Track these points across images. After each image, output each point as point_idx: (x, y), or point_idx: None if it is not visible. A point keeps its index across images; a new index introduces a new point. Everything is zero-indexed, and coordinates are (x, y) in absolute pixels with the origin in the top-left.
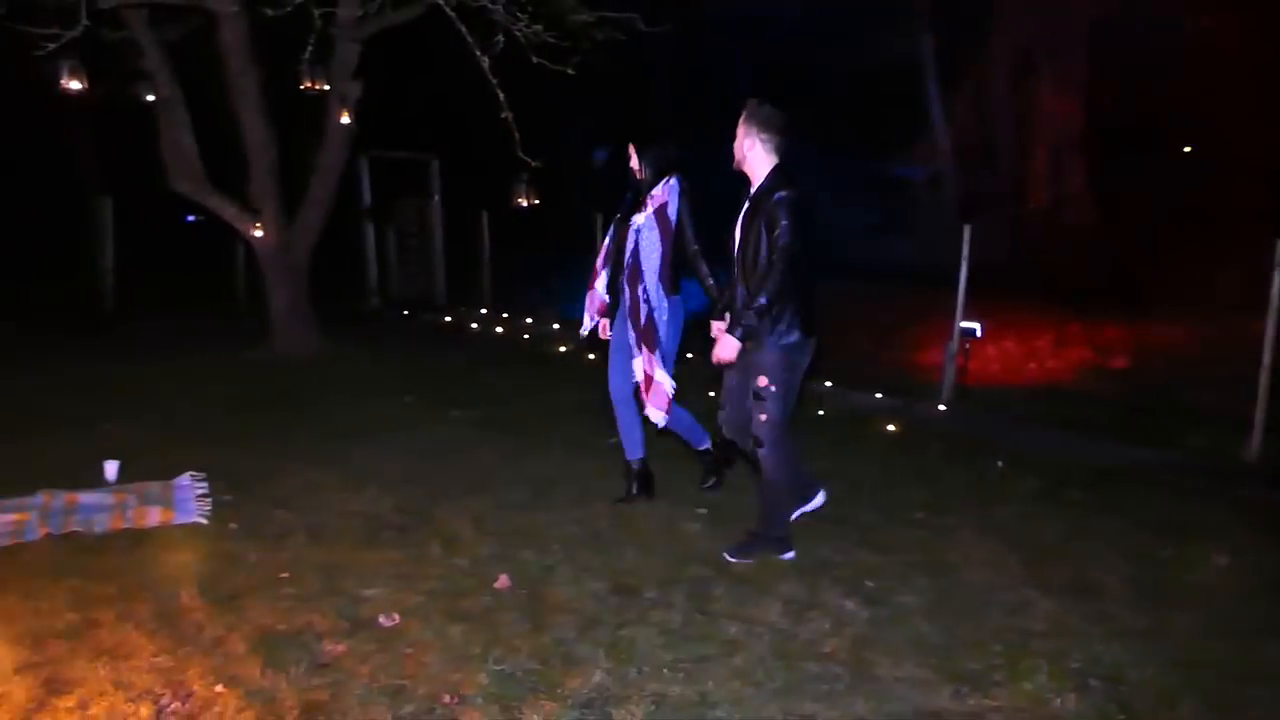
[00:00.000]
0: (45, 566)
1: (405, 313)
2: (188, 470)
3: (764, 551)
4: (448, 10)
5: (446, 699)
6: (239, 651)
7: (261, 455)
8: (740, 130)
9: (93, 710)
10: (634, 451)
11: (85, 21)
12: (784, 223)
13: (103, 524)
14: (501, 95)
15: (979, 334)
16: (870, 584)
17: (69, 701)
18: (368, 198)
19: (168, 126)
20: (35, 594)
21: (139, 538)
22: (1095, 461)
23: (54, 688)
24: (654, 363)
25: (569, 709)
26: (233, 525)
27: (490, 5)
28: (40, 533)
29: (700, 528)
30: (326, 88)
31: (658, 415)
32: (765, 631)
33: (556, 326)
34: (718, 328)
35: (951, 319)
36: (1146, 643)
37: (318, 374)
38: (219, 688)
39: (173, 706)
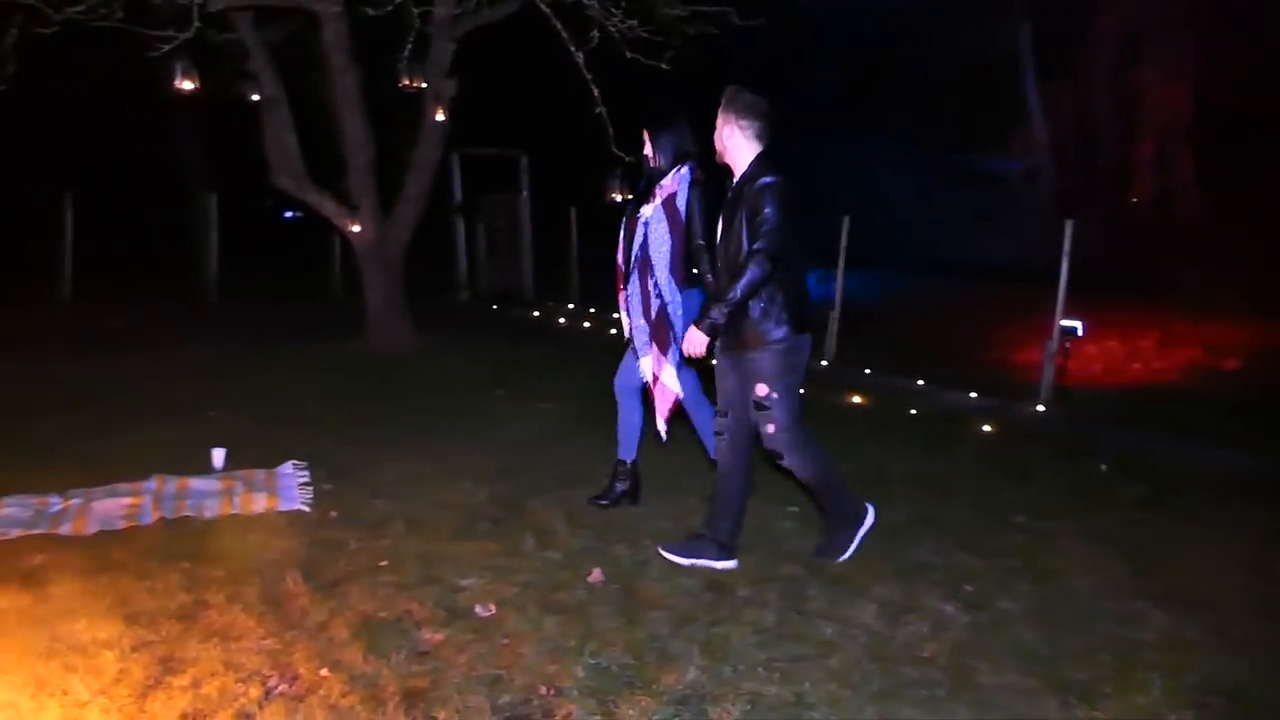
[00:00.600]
0: (159, 549)
1: (494, 307)
2: (290, 459)
3: (849, 539)
4: (543, 7)
5: (543, 690)
6: (342, 637)
7: (359, 445)
8: (719, 119)
9: (205, 689)
10: (626, 452)
11: (197, 23)
12: (767, 211)
13: (212, 509)
14: (595, 91)
15: (1080, 332)
16: (969, 588)
17: (183, 680)
18: (458, 194)
19: (271, 125)
20: (150, 575)
21: (246, 523)
22: (1205, 467)
23: (169, 666)
24: (662, 363)
25: (664, 705)
26: (333, 513)
27: (585, 1)
28: (154, 516)
29: (792, 526)
30: (424, 85)
31: (661, 424)
32: (861, 633)
33: None
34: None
35: (1050, 317)
36: (1268, 659)
37: (411, 366)
38: (324, 671)
39: (280, 688)
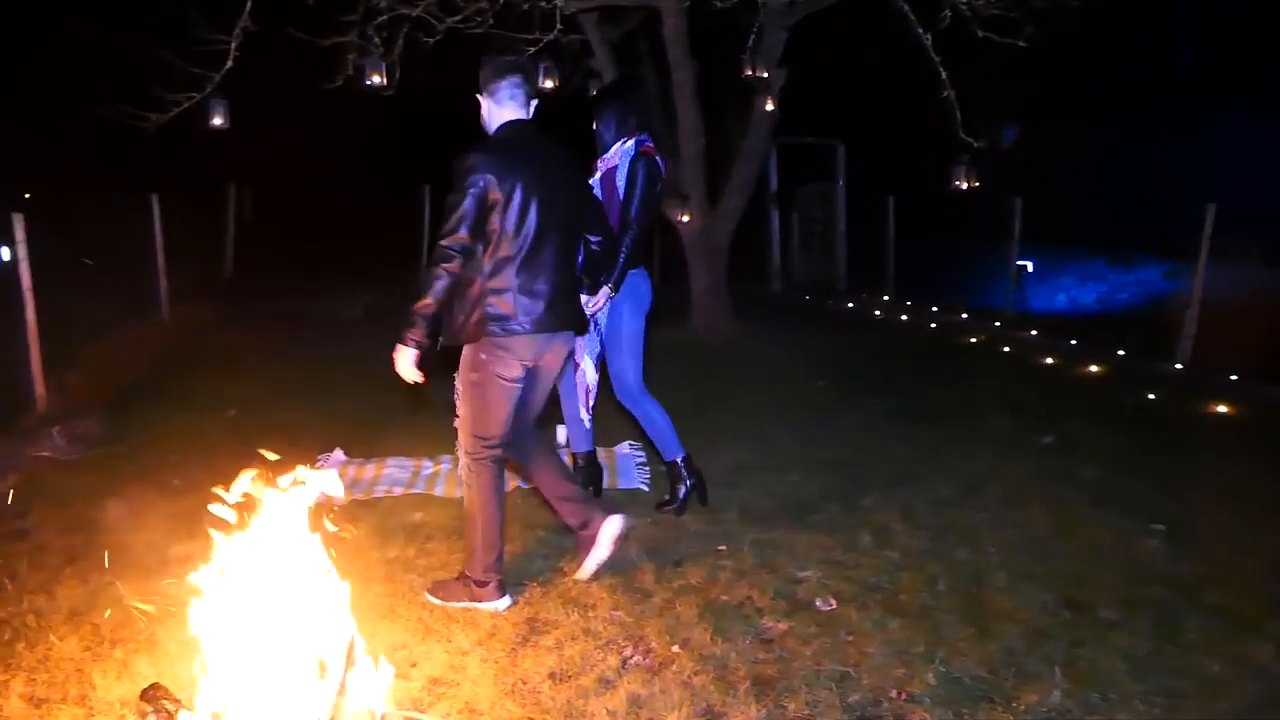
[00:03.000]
0: (518, 515)
1: (806, 297)
2: (625, 440)
3: (465, 597)
4: None
5: (893, 694)
6: (688, 616)
7: (689, 430)
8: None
9: (568, 652)
10: (669, 453)
11: (560, 26)
12: (453, 195)
13: None
14: (944, 74)
15: None
16: None
17: (548, 640)
18: (774, 183)
19: None
20: (511, 539)
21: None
22: None
23: (535, 626)
24: (582, 349)
25: None
26: (668, 497)
27: None
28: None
29: (1158, 544)
30: (765, 75)
31: (583, 411)
32: (1257, 676)
33: (965, 316)
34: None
35: None
36: None
37: (733, 354)
38: (675, 648)
39: (635, 659)
